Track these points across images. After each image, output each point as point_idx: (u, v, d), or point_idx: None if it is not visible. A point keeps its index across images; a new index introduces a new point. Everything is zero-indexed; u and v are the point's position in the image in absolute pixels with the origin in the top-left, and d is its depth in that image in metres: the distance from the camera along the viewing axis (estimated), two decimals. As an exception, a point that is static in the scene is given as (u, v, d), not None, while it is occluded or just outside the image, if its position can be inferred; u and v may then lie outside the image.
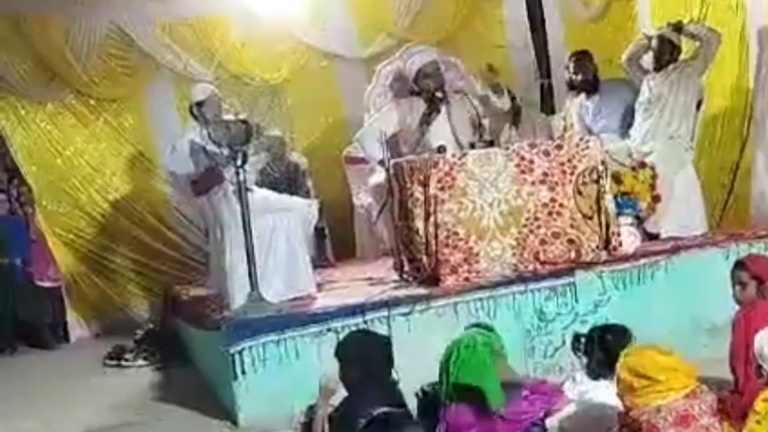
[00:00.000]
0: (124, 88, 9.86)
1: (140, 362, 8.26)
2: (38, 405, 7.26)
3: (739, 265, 5.48)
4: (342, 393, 4.67)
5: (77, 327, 9.61)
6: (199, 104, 7.31)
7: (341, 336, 5.94)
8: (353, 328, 6.17)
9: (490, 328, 5.02)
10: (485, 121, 7.50)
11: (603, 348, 4.95)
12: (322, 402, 4.57)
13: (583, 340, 5.12)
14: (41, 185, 9.60)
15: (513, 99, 8.86)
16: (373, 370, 4.73)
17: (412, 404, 4.84)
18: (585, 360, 5.05)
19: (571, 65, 8.44)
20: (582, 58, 8.40)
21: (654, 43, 7.95)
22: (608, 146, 7.47)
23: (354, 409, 4.32)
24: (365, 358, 4.76)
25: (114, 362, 8.36)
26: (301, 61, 10.29)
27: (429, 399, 4.99)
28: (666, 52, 7.89)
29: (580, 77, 8.37)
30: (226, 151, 6.74)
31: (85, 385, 7.72)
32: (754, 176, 8.10)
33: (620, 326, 5.10)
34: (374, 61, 9.21)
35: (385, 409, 3.75)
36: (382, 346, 4.92)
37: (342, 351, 4.87)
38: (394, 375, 4.80)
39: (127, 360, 8.32)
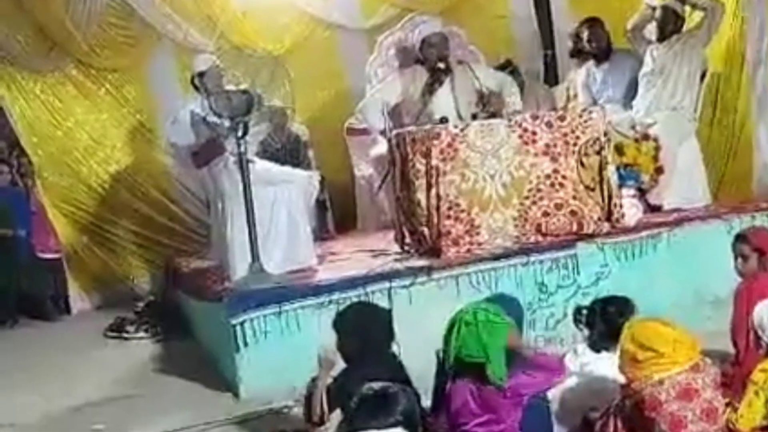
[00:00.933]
0: (125, 58, 9.79)
1: (141, 334, 8.27)
2: (39, 378, 7.26)
3: (741, 237, 5.48)
4: (341, 364, 4.65)
5: (78, 299, 9.60)
6: (201, 75, 7.28)
7: (341, 308, 5.95)
8: (354, 300, 6.17)
9: (510, 299, 5.02)
10: (487, 92, 7.45)
11: (605, 320, 4.93)
12: (321, 374, 4.56)
13: (584, 312, 5.10)
14: (42, 157, 9.55)
15: (515, 70, 8.86)
16: (371, 341, 4.70)
17: (418, 373, 4.81)
18: (587, 332, 5.04)
19: (585, 32, 8.37)
20: (595, 25, 8.35)
21: (658, 13, 7.91)
22: (611, 117, 7.43)
23: (351, 382, 4.30)
24: (363, 329, 4.73)
25: (115, 334, 8.37)
26: (303, 32, 10.21)
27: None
28: (670, 23, 7.85)
29: (594, 45, 8.31)
30: (227, 122, 6.70)
31: (86, 358, 7.72)
32: (757, 148, 8.08)
33: (622, 298, 5.08)
34: (377, 32, 9.14)
35: (380, 383, 3.72)
36: (381, 318, 4.89)
37: (340, 322, 4.84)
38: (395, 348, 4.78)
39: (128, 332, 8.33)
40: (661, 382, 3.98)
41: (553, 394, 4.98)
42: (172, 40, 9.75)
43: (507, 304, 4.76)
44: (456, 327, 4.36)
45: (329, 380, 4.58)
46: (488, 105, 7.25)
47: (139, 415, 6.11)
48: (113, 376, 7.13)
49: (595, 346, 4.96)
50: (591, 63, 8.38)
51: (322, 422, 4.49)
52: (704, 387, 4.04)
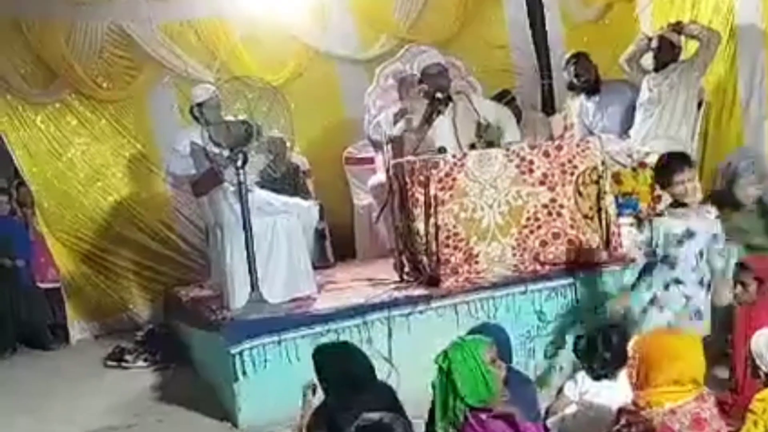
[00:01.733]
0: (125, 89, 9.83)
1: (141, 363, 8.27)
2: (39, 407, 7.26)
3: (742, 265, 5.52)
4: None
5: (78, 328, 9.58)
6: (200, 105, 7.31)
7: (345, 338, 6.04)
8: (352, 329, 6.21)
9: (497, 328, 5.03)
10: (485, 124, 7.48)
11: (607, 347, 4.96)
12: (304, 412, 4.62)
13: (584, 341, 5.13)
14: (42, 186, 9.56)
15: (512, 100, 8.91)
16: (351, 380, 4.76)
17: (416, 402, 4.82)
18: (587, 361, 5.06)
19: (572, 67, 8.46)
20: (580, 59, 8.43)
21: (654, 43, 7.97)
22: (609, 147, 7.46)
23: (332, 412, 4.38)
24: (339, 365, 4.80)
25: (114, 363, 8.37)
26: (302, 63, 10.26)
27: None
28: (666, 52, 7.91)
29: (581, 79, 8.39)
30: (226, 152, 6.75)
31: (86, 387, 7.73)
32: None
33: (621, 326, 5.11)
34: (376, 63, 9.23)
35: (377, 413, 3.75)
36: (354, 354, 4.96)
37: (317, 360, 4.91)
38: (392, 377, 4.82)
39: (127, 361, 8.33)
40: (673, 411, 4.00)
41: (553, 423, 5.00)
42: (171, 70, 9.80)
43: (493, 332, 4.78)
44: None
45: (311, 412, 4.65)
46: (486, 136, 7.28)
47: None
48: (113, 404, 7.13)
49: (596, 374, 4.98)
50: (583, 96, 8.45)
51: None
52: (712, 417, 4.07)
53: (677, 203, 5.47)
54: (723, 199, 6.22)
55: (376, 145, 8.36)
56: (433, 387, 4.34)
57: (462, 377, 4.13)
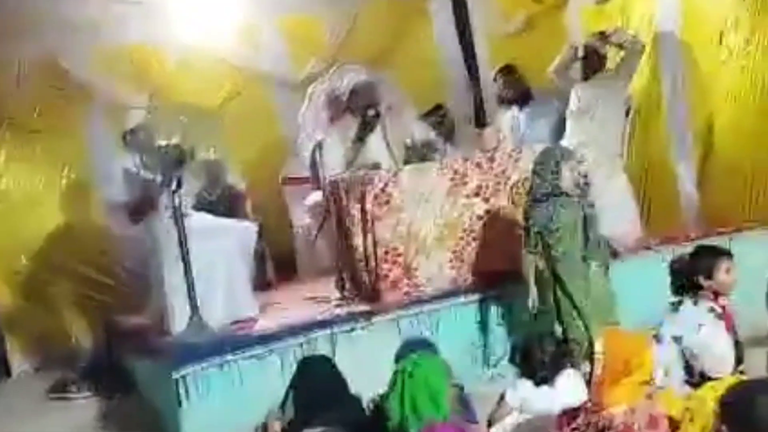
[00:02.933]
0: (58, 118, 9.74)
1: (85, 393, 8.17)
2: (-19, 443, 7.18)
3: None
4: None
5: (18, 361, 9.46)
6: (133, 132, 7.30)
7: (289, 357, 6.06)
8: (296, 349, 6.22)
9: (426, 343, 5.10)
10: (417, 138, 7.55)
11: (543, 355, 5.04)
12: None
13: (520, 350, 5.21)
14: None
15: (446, 114, 8.99)
16: (318, 394, 4.81)
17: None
18: (526, 369, 5.13)
19: (500, 81, 8.56)
20: (508, 72, 8.54)
21: (580, 52, 8.08)
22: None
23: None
24: (307, 386, 4.86)
25: (58, 395, 8.26)
26: (236, 86, 10.28)
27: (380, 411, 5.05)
28: (592, 62, 8.01)
29: (509, 92, 8.49)
30: (159, 177, 6.74)
31: (29, 420, 7.62)
32: (679, 180, 8.28)
33: (552, 333, 5.20)
34: (308, 84, 9.25)
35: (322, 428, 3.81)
36: (321, 370, 5.02)
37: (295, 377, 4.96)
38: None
39: (71, 392, 8.22)
40: (632, 411, 4.07)
41: (497, 431, 5.06)
42: (105, 98, 9.75)
43: (424, 347, 4.86)
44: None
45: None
46: (416, 153, 7.35)
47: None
48: (59, 436, 7.07)
49: (536, 381, 5.05)
50: (514, 108, 8.55)
51: None
52: (662, 415, 4.16)
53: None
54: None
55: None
56: (382, 400, 4.40)
57: (422, 395, 4.19)
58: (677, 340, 4.96)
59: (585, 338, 5.65)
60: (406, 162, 7.25)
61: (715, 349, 4.76)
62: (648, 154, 8.52)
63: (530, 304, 5.92)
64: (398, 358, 4.97)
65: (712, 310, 5.00)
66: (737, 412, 3.33)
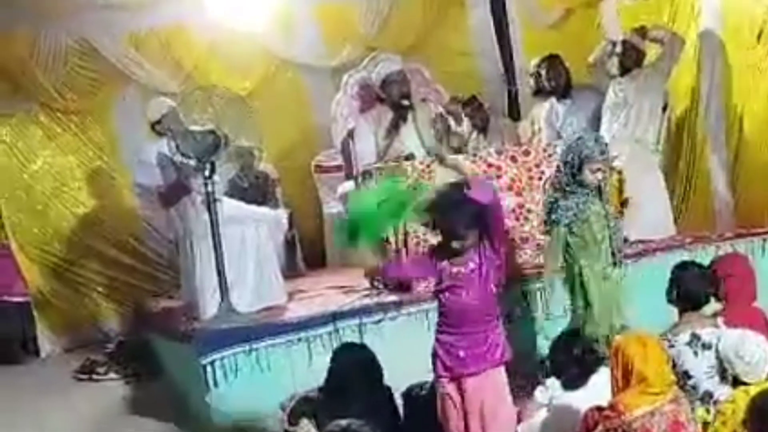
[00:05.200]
0: (91, 100, 9.78)
1: (112, 376, 8.22)
2: (9, 422, 7.20)
3: (712, 265, 5.61)
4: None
5: (47, 342, 9.50)
6: (166, 116, 7.30)
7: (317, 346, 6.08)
8: (324, 337, 6.21)
9: None
10: (452, 128, 7.52)
11: (570, 359, 4.98)
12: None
13: (548, 355, 5.17)
14: (8, 199, 9.50)
15: (480, 106, 8.94)
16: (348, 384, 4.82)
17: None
18: (556, 373, 5.09)
19: (543, 70, 8.47)
20: (553, 62, 8.45)
21: (618, 47, 8.01)
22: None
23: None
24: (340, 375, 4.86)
25: (85, 376, 8.31)
26: (269, 72, 10.27)
27: (415, 401, 5.04)
28: (631, 57, 7.94)
29: (552, 82, 8.41)
30: (193, 162, 6.73)
31: (57, 401, 7.67)
32: (713, 179, 8.21)
33: (577, 333, 5.16)
34: (342, 71, 9.24)
35: (345, 420, 3.80)
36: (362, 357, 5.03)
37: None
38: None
39: (98, 374, 8.28)
40: (652, 414, 4.03)
41: (523, 428, 5.03)
42: (137, 81, 9.77)
43: None
44: None
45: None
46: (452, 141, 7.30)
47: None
48: (84, 418, 7.09)
49: (567, 385, 5.00)
50: (553, 99, 8.48)
51: None
52: (688, 420, 4.11)
53: None
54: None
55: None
56: None
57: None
58: (705, 345, 4.93)
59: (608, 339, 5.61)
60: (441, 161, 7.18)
61: (745, 354, 4.70)
62: (683, 152, 8.43)
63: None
64: None
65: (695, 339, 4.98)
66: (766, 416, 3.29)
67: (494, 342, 4.65)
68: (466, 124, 7.80)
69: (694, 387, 4.86)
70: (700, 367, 4.88)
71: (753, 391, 4.37)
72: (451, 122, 7.68)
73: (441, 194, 4.71)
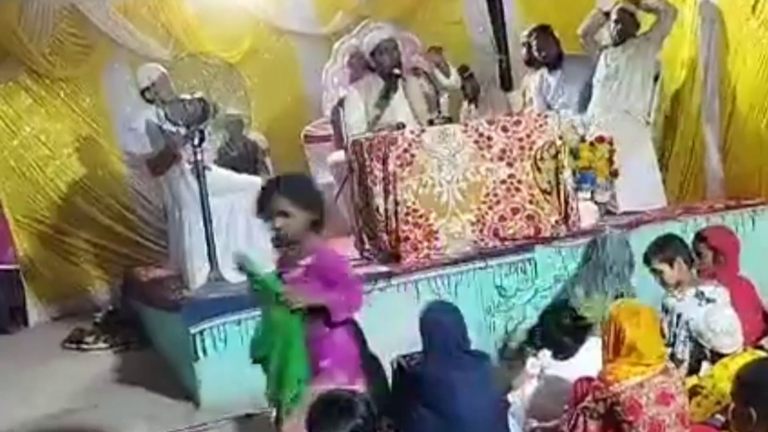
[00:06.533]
0: (80, 67, 9.73)
1: (100, 345, 8.21)
2: (-4, 389, 7.20)
3: (698, 236, 5.64)
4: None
5: (36, 310, 9.50)
6: (155, 84, 7.25)
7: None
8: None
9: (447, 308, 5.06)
10: (442, 98, 7.48)
11: (560, 331, 4.99)
12: None
13: (537, 328, 5.18)
14: (-3, 167, 9.48)
15: (470, 76, 8.90)
16: None
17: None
18: (546, 345, 5.09)
19: (534, 41, 8.43)
20: (543, 33, 8.41)
21: (614, 15, 7.96)
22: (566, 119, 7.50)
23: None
24: None
25: (74, 345, 8.30)
26: (259, 39, 10.22)
27: (404, 371, 5.02)
28: (627, 24, 7.90)
29: (543, 53, 8.38)
30: (183, 130, 6.69)
31: (45, 370, 7.65)
32: (705, 150, 8.20)
33: (564, 303, 5.16)
34: (333, 39, 9.17)
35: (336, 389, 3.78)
36: None
37: None
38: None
39: (87, 343, 8.26)
40: (641, 385, 4.04)
41: (514, 399, 5.04)
42: (127, 48, 9.69)
43: (447, 311, 4.84)
44: None
45: None
46: (443, 110, 7.27)
47: (99, 425, 6.07)
48: (72, 387, 7.07)
49: (558, 356, 5.00)
50: (544, 70, 8.45)
51: None
52: (678, 392, 4.13)
53: None
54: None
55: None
56: None
57: None
58: (709, 300, 4.98)
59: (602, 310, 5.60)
60: (431, 123, 7.15)
61: (716, 326, 4.72)
62: (679, 122, 8.41)
63: None
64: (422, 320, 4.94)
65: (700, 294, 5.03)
66: (754, 390, 3.28)
67: None
68: (454, 75, 7.71)
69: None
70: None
71: (731, 365, 4.43)
72: (440, 76, 7.58)
73: None
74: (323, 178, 9.15)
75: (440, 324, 4.75)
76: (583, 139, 7.59)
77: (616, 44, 7.95)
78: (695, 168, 8.32)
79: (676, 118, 8.46)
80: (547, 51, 8.36)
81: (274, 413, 4.61)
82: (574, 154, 7.40)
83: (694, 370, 4.84)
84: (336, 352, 4.30)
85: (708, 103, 8.12)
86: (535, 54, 8.43)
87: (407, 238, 6.72)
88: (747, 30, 7.73)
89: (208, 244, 6.65)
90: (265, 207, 4.45)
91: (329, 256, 4.29)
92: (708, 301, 4.97)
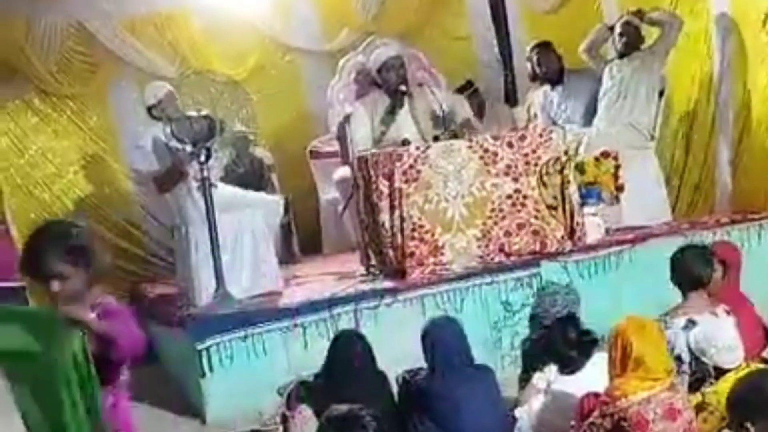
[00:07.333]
0: (87, 85, 9.72)
1: (107, 361, 8.18)
2: (8, 409, 7.17)
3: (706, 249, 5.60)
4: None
5: (42, 327, 9.48)
6: (162, 101, 7.28)
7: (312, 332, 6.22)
8: (319, 323, 6.22)
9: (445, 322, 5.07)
10: (448, 114, 7.49)
11: (565, 345, 4.97)
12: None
13: (543, 341, 5.16)
14: (5, 184, 9.45)
15: (476, 91, 8.92)
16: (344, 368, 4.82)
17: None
18: (552, 358, 5.07)
19: (534, 57, 8.46)
20: (544, 49, 8.43)
21: (618, 29, 7.97)
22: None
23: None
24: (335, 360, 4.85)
25: (80, 361, 8.27)
26: (264, 56, 10.23)
27: (409, 386, 5.03)
28: (632, 37, 7.90)
29: (544, 69, 8.40)
30: (189, 148, 6.71)
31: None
32: (717, 164, 8.18)
33: (572, 317, 5.15)
34: (339, 56, 9.19)
35: (345, 405, 3.78)
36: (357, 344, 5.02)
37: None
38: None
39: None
40: (648, 400, 4.02)
41: (521, 414, 5.02)
42: (134, 66, 9.72)
43: (446, 326, 4.85)
44: None
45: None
46: (447, 125, 7.29)
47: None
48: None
49: (564, 370, 4.98)
50: (547, 86, 8.46)
51: None
52: (684, 408, 4.11)
53: None
54: None
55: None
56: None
57: None
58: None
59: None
60: (437, 139, 7.17)
61: (718, 342, 4.70)
62: (691, 136, 8.40)
63: None
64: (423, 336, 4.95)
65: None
66: (748, 406, 3.29)
67: None
68: (466, 106, 7.77)
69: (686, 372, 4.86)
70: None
71: (733, 379, 4.37)
72: (459, 109, 7.64)
73: None
74: (329, 193, 9.20)
75: (441, 339, 4.77)
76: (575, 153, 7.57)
77: (620, 57, 7.95)
78: (706, 182, 8.29)
79: (688, 131, 8.43)
80: (548, 66, 8.38)
81: (281, 429, 4.63)
82: (580, 169, 7.41)
83: (695, 388, 4.82)
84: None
85: (721, 115, 8.09)
86: (537, 70, 8.45)
87: (413, 254, 6.73)
88: (758, 43, 7.72)
89: (215, 261, 6.66)
90: (36, 270, 3.51)
91: (114, 307, 3.60)
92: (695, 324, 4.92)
